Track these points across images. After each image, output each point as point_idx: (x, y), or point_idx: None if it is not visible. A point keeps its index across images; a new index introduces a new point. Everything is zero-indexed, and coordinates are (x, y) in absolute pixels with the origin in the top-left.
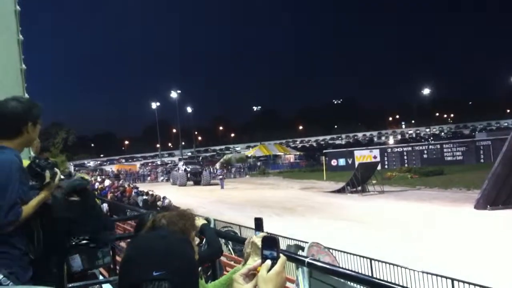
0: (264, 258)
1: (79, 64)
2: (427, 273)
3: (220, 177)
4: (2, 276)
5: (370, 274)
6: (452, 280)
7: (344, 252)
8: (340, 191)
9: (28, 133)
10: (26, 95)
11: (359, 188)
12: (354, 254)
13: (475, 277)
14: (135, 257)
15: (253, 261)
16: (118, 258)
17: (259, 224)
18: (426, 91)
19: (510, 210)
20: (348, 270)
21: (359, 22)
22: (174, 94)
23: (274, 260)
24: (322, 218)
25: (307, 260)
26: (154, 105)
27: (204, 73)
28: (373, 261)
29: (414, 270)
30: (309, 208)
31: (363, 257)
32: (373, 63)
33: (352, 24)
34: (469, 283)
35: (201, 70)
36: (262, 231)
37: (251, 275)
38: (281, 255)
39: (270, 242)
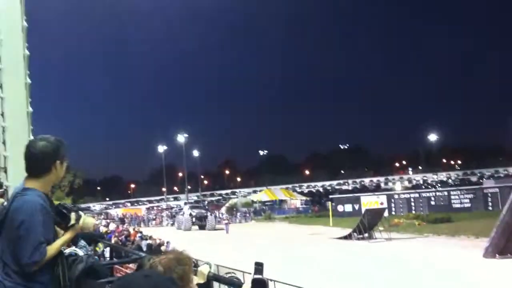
0: None
1: (86, 107)
2: None
3: (226, 222)
4: None
5: None
6: None
7: None
8: (347, 237)
9: (56, 170)
10: (30, 108)
11: (366, 234)
12: None
13: None
14: None
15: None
16: None
17: (259, 269)
18: (434, 138)
19: None
20: None
21: (367, 67)
22: (181, 138)
23: None
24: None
25: None
26: (161, 149)
27: (210, 117)
28: None
29: None
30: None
31: None
32: (381, 108)
33: (356, 68)
34: None
35: (207, 115)
36: (262, 275)
37: None
38: None
39: (259, 284)
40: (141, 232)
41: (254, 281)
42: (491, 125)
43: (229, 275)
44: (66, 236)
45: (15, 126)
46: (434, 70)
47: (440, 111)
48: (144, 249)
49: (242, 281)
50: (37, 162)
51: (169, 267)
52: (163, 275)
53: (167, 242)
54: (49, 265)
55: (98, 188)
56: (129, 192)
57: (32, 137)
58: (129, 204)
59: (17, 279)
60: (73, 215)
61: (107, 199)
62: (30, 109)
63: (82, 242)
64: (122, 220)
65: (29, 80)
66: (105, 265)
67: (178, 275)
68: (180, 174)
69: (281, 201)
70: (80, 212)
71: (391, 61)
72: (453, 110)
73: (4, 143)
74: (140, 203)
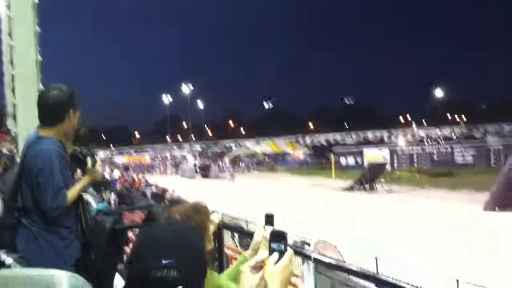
0: (271, 251)
1: (93, 56)
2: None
3: (230, 170)
4: (12, 261)
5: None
6: (457, 281)
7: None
8: (349, 189)
9: (70, 119)
10: (41, 86)
11: (367, 186)
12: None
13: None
14: (144, 245)
15: (263, 253)
16: (126, 248)
17: (270, 220)
18: (439, 92)
19: None
20: (353, 265)
21: (373, 23)
22: (186, 89)
23: (281, 254)
24: (328, 216)
25: (313, 255)
26: (166, 98)
27: (217, 67)
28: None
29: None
30: (317, 206)
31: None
32: (385, 62)
33: (365, 25)
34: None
35: (214, 64)
36: (273, 226)
37: (259, 267)
38: (288, 248)
39: (278, 235)
40: (146, 180)
41: (273, 234)
42: (500, 80)
43: (233, 222)
44: (85, 180)
45: (25, 74)
46: (445, 24)
47: (447, 65)
48: (149, 196)
49: (246, 229)
50: (50, 111)
51: (187, 216)
52: (187, 224)
53: (173, 190)
54: (72, 211)
55: (103, 136)
56: (133, 140)
57: (41, 86)
58: (133, 152)
59: (42, 225)
60: (89, 160)
61: (112, 146)
62: (40, 57)
63: (91, 189)
64: (126, 168)
65: (38, 29)
66: (115, 211)
67: (196, 224)
68: (185, 124)
69: (284, 153)
70: (96, 157)
71: (401, 12)
72: (461, 65)
73: (13, 91)
74: (144, 151)
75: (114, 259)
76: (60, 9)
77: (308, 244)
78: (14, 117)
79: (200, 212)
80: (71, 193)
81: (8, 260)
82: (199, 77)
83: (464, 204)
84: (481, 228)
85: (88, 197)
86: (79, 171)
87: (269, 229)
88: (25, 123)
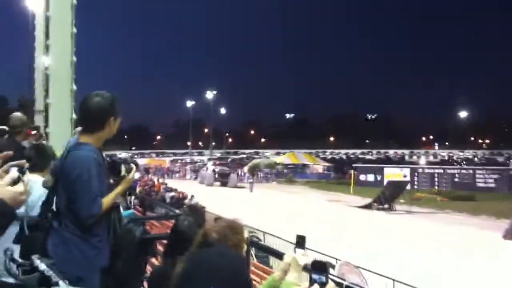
0: (312, 282)
1: (120, 56)
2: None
3: (251, 181)
4: (45, 267)
5: None
6: None
7: (372, 272)
8: (367, 207)
9: (110, 127)
10: (74, 86)
11: (386, 206)
12: (380, 275)
13: None
14: (193, 272)
15: (292, 276)
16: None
17: (300, 242)
18: (464, 114)
19: None
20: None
21: (400, 41)
22: (209, 95)
23: (323, 285)
24: (347, 233)
25: (345, 283)
26: (189, 103)
27: (242, 76)
28: (396, 283)
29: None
30: (336, 221)
31: (388, 277)
32: (411, 80)
33: (396, 39)
34: None
35: (238, 73)
36: (303, 249)
37: None
38: (329, 281)
39: (320, 266)
40: (165, 184)
41: (315, 264)
42: None
43: (250, 235)
44: (119, 188)
45: (60, 74)
46: (472, 46)
47: (473, 88)
48: (168, 200)
49: (261, 240)
50: (91, 118)
51: (224, 235)
52: (235, 253)
53: (192, 196)
54: (104, 219)
55: (125, 136)
56: (154, 143)
57: (74, 87)
58: (154, 155)
59: (74, 230)
60: (123, 167)
61: (133, 148)
62: (74, 58)
63: None
64: (147, 170)
65: (75, 30)
66: (141, 219)
67: (233, 244)
68: (206, 130)
69: (304, 165)
70: (132, 164)
71: (428, 31)
72: (487, 87)
73: (47, 90)
74: (165, 155)
75: (141, 269)
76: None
77: (333, 267)
78: (47, 116)
79: (237, 232)
80: (106, 201)
81: (42, 265)
82: (223, 84)
83: (484, 232)
84: (497, 256)
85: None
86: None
87: (299, 251)
88: (57, 122)
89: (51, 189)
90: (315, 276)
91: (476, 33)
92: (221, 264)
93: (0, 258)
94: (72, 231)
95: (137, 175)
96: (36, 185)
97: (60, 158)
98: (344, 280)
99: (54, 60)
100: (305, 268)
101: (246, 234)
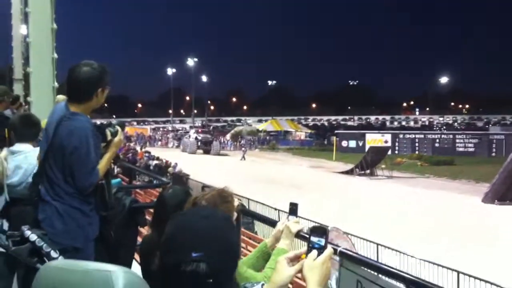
0: (310, 246)
1: (101, 23)
2: (434, 263)
3: (243, 149)
4: (36, 237)
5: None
6: (458, 273)
7: (358, 237)
8: (349, 172)
9: (97, 98)
10: (55, 55)
11: (368, 171)
12: (367, 240)
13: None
14: (175, 236)
15: (284, 243)
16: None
17: (293, 209)
18: (444, 80)
19: None
20: (384, 264)
21: (382, 8)
22: (190, 62)
23: (321, 250)
24: (329, 197)
25: (339, 249)
26: (170, 71)
27: (222, 42)
28: (379, 247)
29: (421, 260)
30: (317, 186)
31: (373, 242)
32: (393, 47)
33: (375, 8)
34: (475, 277)
35: (220, 40)
36: (296, 216)
37: (295, 259)
38: (328, 246)
39: (320, 231)
40: (148, 152)
41: (314, 229)
42: (503, 73)
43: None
44: (109, 152)
45: (40, 42)
46: (452, 16)
47: (453, 54)
48: (152, 169)
49: (246, 206)
50: (80, 89)
51: (214, 203)
52: (222, 214)
53: (175, 164)
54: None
55: (105, 105)
56: (135, 111)
57: (55, 55)
58: (135, 123)
59: (68, 200)
60: (107, 131)
61: (114, 116)
62: (55, 25)
63: None
64: (128, 139)
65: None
66: (129, 187)
67: (228, 212)
68: (188, 98)
69: (286, 132)
70: (117, 127)
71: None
72: (466, 54)
73: (27, 58)
74: (146, 123)
75: (133, 239)
76: None
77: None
78: (25, 84)
79: (227, 199)
80: (101, 168)
81: (33, 236)
82: (204, 51)
83: (464, 195)
84: (476, 220)
85: None
86: None
87: (292, 218)
88: (39, 91)
89: (41, 161)
90: (313, 239)
91: None
92: (201, 227)
93: None
94: (66, 202)
95: None
96: (30, 154)
97: (46, 129)
98: (335, 245)
99: (34, 28)
100: (297, 235)
101: (236, 202)
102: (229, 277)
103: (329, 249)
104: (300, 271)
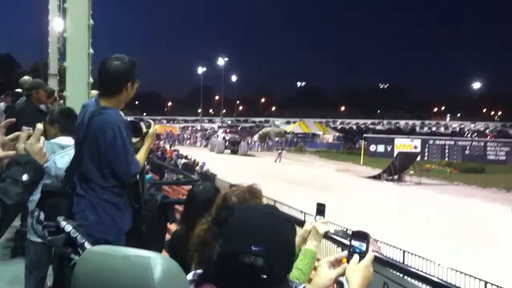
0: (351, 251)
1: (133, 21)
2: (461, 272)
3: (279, 151)
4: (71, 228)
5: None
6: (486, 283)
7: (384, 242)
8: (376, 177)
9: (127, 91)
10: (91, 50)
11: (396, 177)
12: (393, 246)
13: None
14: (238, 228)
15: (311, 244)
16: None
17: (321, 209)
18: (476, 85)
19: None
20: (411, 267)
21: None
22: (221, 61)
23: (362, 254)
24: (354, 202)
25: (364, 248)
26: (200, 70)
27: (255, 44)
28: (406, 253)
29: (446, 267)
30: (343, 190)
31: (398, 248)
32: (426, 51)
33: (412, 12)
34: None
35: (251, 40)
36: (323, 217)
37: (335, 262)
38: (370, 251)
39: (361, 236)
40: (177, 151)
41: (356, 233)
42: None
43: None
44: (146, 144)
45: (76, 37)
46: (486, 18)
47: (488, 59)
48: (180, 167)
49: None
50: (110, 82)
51: (244, 199)
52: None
53: (203, 163)
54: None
55: (136, 102)
56: (165, 109)
57: (91, 50)
58: (165, 121)
59: (101, 194)
60: (142, 125)
61: (144, 114)
62: (91, 21)
63: None
64: (157, 137)
65: None
66: (161, 183)
67: None
68: (217, 97)
69: (314, 135)
70: (150, 120)
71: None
72: (502, 58)
73: (63, 53)
74: (175, 122)
75: (162, 234)
76: None
77: (348, 235)
78: (60, 79)
79: (256, 196)
80: (140, 159)
81: (68, 227)
82: (236, 51)
83: (494, 204)
84: (506, 230)
85: None
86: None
87: (320, 218)
88: (75, 85)
89: (75, 156)
90: (355, 244)
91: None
92: (265, 223)
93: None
94: (100, 196)
95: None
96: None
97: (79, 124)
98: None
99: (71, 23)
100: (325, 235)
101: (264, 200)
102: (283, 276)
103: (371, 253)
104: (342, 274)
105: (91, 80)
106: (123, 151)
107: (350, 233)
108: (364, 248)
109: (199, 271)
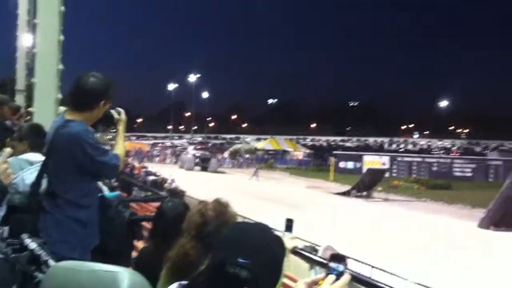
0: (328, 272)
1: (104, 37)
2: (426, 287)
3: (256, 168)
4: (36, 245)
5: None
6: None
7: (351, 258)
8: (345, 194)
9: (99, 109)
10: (61, 66)
11: (365, 193)
12: (360, 262)
13: None
14: (230, 238)
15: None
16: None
17: (289, 225)
18: (444, 103)
19: None
20: (379, 282)
21: (388, 30)
22: (192, 78)
23: (339, 276)
24: (323, 218)
25: (342, 269)
26: (171, 86)
27: (225, 60)
28: (374, 269)
29: (414, 283)
30: (314, 206)
31: (366, 264)
32: (394, 70)
33: (380, 32)
34: None
35: (221, 58)
36: (291, 232)
37: (312, 284)
38: (346, 272)
39: (338, 258)
40: (146, 168)
41: (333, 256)
42: (504, 95)
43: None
44: (120, 132)
45: (46, 53)
46: (456, 35)
47: (455, 78)
48: (148, 184)
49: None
50: (83, 99)
51: (220, 211)
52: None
53: (172, 180)
54: (93, 193)
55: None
56: (134, 126)
57: (61, 66)
58: (134, 138)
59: (68, 211)
60: (113, 111)
61: (113, 130)
62: (62, 37)
63: None
64: (126, 153)
65: (63, 8)
66: (129, 201)
67: (229, 218)
68: (188, 114)
69: (284, 152)
70: (118, 108)
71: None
72: (468, 77)
73: (31, 68)
74: (145, 138)
75: (129, 251)
76: None
77: (316, 251)
78: (27, 95)
79: (228, 206)
80: (119, 151)
81: (32, 244)
82: (206, 69)
83: (460, 220)
84: (470, 245)
85: (101, 184)
86: None
87: (289, 235)
88: (43, 101)
89: (40, 171)
90: (332, 265)
91: (452, 21)
92: (254, 237)
93: None
94: (65, 212)
95: None
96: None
97: (47, 140)
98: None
99: (41, 38)
100: (293, 251)
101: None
102: None
103: (347, 275)
104: None
105: (59, 96)
106: (97, 153)
107: (322, 252)
108: (341, 269)
109: (184, 282)
